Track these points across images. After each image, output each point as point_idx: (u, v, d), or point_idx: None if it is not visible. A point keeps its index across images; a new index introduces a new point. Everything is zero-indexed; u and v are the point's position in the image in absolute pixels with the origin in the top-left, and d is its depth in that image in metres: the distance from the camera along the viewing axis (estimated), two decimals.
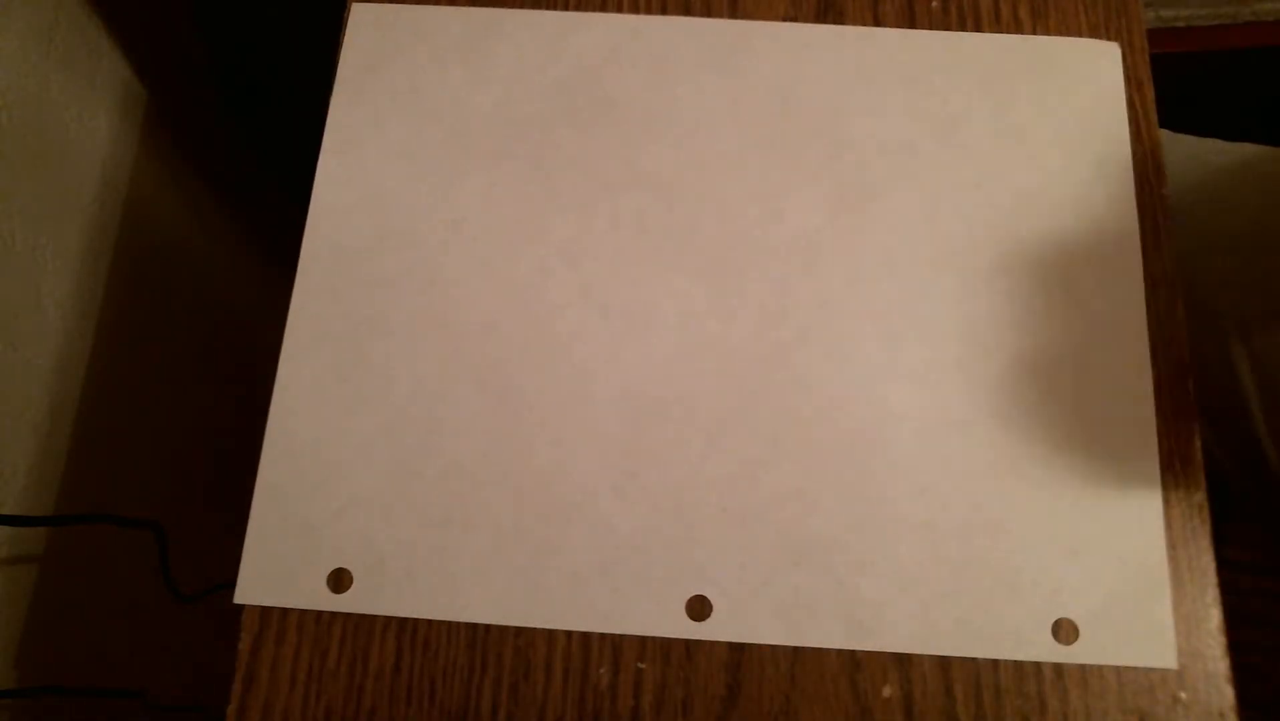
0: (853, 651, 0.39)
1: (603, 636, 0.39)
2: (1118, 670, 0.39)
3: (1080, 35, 0.48)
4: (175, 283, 0.71)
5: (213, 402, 0.77)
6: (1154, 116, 0.46)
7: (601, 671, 0.39)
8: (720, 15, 0.48)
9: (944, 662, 0.39)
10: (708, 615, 0.39)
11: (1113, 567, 0.40)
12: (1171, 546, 0.40)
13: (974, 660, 0.39)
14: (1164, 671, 0.39)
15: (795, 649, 0.39)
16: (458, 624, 0.40)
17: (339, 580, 0.40)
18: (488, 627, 0.40)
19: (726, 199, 0.45)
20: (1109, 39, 0.48)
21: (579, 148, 0.46)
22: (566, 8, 0.49)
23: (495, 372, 0.42)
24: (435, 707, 0.39)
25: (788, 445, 0.41)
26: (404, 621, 0.40)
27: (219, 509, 0.75)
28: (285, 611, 0.40)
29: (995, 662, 0.39)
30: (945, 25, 0.48)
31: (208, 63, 0.73)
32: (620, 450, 0.41)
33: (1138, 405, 0.42)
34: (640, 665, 0.39)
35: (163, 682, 0.70)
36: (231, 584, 0.40)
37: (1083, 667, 0.39)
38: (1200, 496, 0.41)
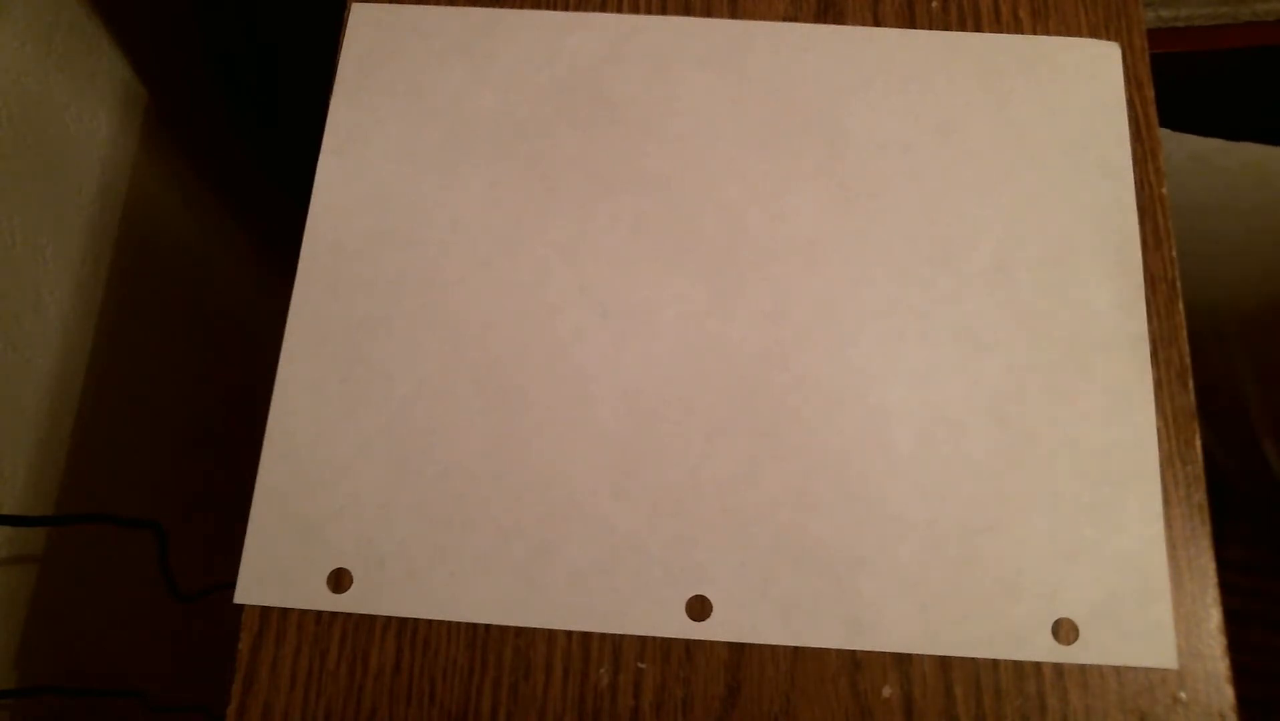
0: (853, 651, 0.39)
1: (603, 636, 0.39)
2: (1118, 670, 0.39)
3: (1080, 35, 0.48)
4: (175, 282, 0.71)
5: (213, 403, 0.77)
6: (1154, 116, 0.46)
7: (601, 671, 0.39)
8: (720, 15, 0.48)
9: (944, 662, 0.39)
10: (708, 615, 0.39)
11: (1113, 567, 0.40)
12: (1171, 546, 0.40)
13: (974, 660, 0.39)
14: (1164, 671, 0.39)
15: (795, 649, 0.39)
16: (458, 624, 0.40)
17: (339, 580, 0.40)
18: (488, 627, 0.40)
19: (726, 199, 0.45)
20: (1109, 39, 0.48)
21: (579, 147, 0.46)
22: (566, 8, 0.49)
23: (495, 372, 0.42)
24: (435, 707, 0.39)
25: (788, 445, 0.41)
26: (404, 621, 0.40)
27: (219, 509, 0.75)
28: (285, 611, 0.40)
29: (995, 662, 0.39)
30: (945, 25, 0.48)
31: (208, 63, 0.73)
32: (620, 450, 0.41)
33: (1138, 405, 0.42)
34: (640, 665, 0.39)
35: (163, 682, 0.70)
36: (231, 584, 0.40)
37: (1083, 667, 0.39)
38: (1200, 496, 0.41)
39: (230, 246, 0.79)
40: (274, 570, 0.40)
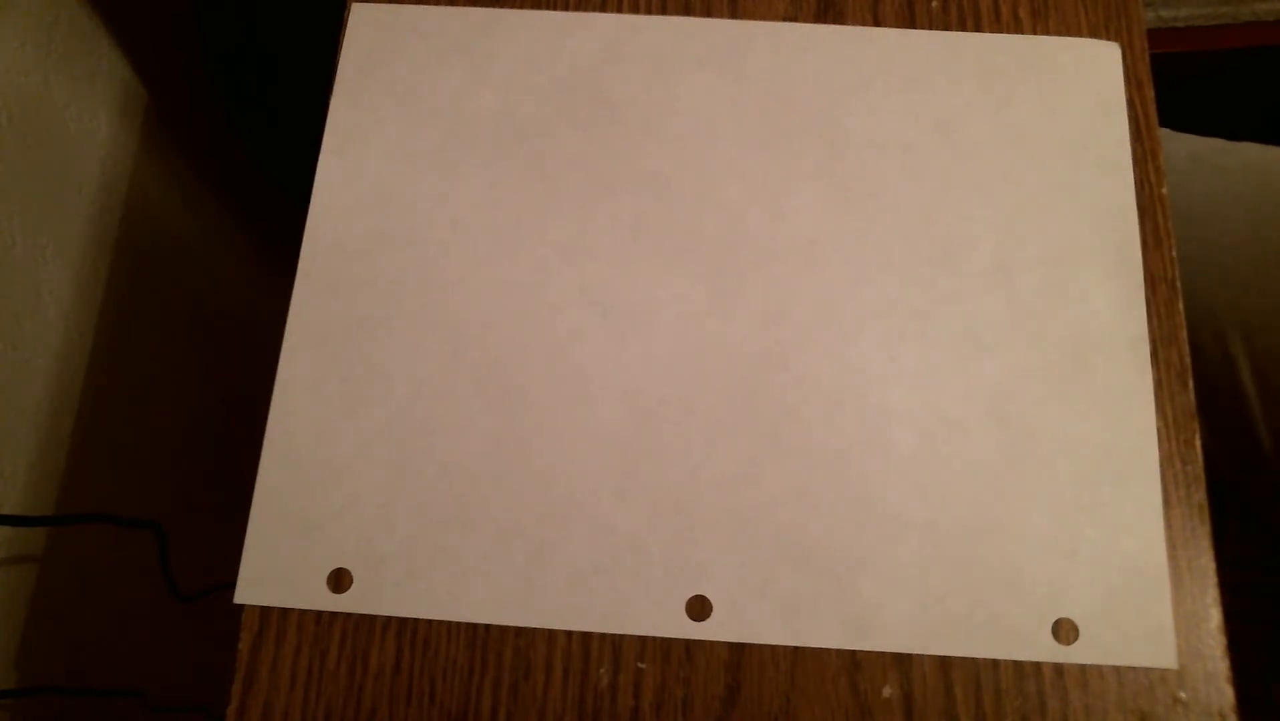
0: (853, 651, 0.39)
1: (603, 636, 0.39)
2: (1118, 670, 0.39)
3: (1080, 35, 0.48)
4: (175, 282, 0.71)
5: (213, 403, 0.77)
6: (1154, 116, 0.46)
7: (601, 671, 0.39)
8: (720, 15, 0.48)
9: (944, 662, 0.39)
10: (708, 615, 0.39)
11: (1113, 567, 0.40)
12: (1171, 546, 0.40)
13: (974, 660, 0.39)
14: (1164, 671, 0.39)
15: (795, 649, 0.39)
16: (458, 624, 0.40)
17: (339, 580, 0.40)
18: (488, 627, 0.40)
19: (726, 199, 0.45)
20: (1109, 39, 0.48)
21: (579, 147, 0.46)
22: (566, 8, 0.49)
23: (495, 372, 0.42)
24: (435, 707, 0.39)
25: (788, 445, 0.41)
26: (404, 621, 0.40)
27: (219, 509, 0.75)
28: (285, 611, 0.40)
29: (995, 662, 0.39)
30: (945, 25, 0.48)
31: (208, 63, 0.73)
32: (620, 450, 0.41)
33: (1138, 405, 0.42)
34: (640, 665, 0.39)
35: (163, 682, 0.70)
36: (231, 584, 0.40)
37: (1083, 667, 0.39)
38: (1200, 496, 0.41)
39: (230, 246, 0.79)
40: (274, 570, 0.40)
